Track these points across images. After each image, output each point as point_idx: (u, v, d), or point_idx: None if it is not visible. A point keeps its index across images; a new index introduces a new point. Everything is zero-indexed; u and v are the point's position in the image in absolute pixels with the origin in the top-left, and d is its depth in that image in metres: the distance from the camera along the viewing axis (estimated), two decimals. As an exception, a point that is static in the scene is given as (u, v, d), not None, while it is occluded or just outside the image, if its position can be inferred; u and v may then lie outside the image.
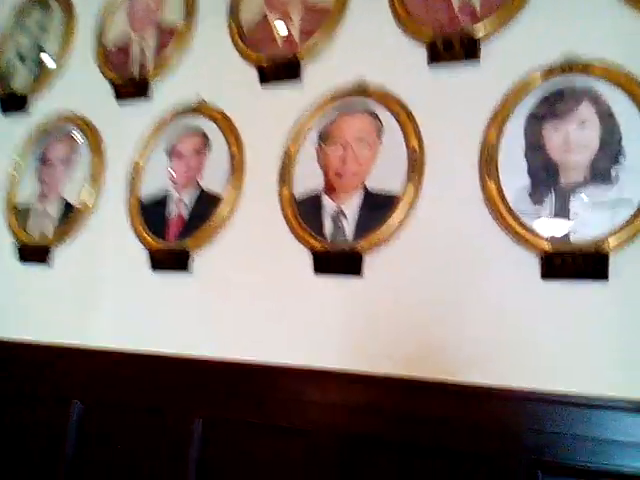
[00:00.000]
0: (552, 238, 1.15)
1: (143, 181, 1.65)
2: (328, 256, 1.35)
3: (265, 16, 1.61)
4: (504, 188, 1.22)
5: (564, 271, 1.14)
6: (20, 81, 1.95)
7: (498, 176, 1.23)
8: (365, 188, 1.36)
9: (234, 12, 1.65)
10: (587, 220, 1.14)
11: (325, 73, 1.50)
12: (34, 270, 1.76)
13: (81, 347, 1.61)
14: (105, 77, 1.80)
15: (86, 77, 1.85)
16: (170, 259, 1.55)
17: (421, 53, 1.38)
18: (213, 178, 1.55)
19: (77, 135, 1.79)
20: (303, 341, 1.36)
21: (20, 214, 1.82)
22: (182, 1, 1.73)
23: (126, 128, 1.73)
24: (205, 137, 1.59)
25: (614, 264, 1.11)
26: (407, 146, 1.34)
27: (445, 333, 1.22)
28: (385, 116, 1.38)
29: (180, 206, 1.58)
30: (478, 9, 1.34)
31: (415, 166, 1.32)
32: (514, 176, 1.22)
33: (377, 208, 1.33)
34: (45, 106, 1.90)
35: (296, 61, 1.51)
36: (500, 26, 1.32)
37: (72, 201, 1.73)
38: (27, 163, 1.86)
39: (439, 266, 1.26)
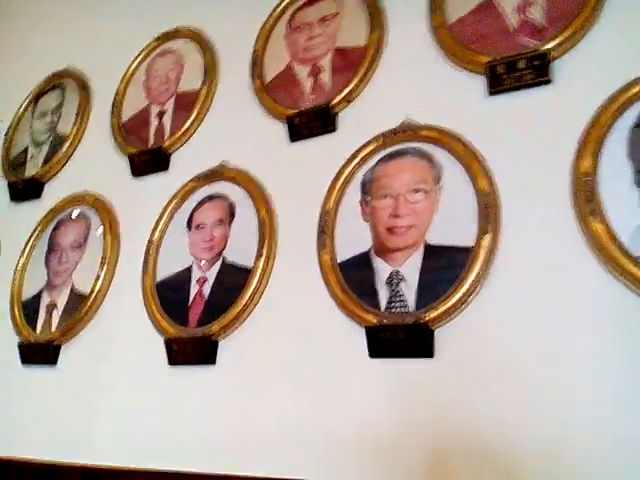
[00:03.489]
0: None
1: (160, 260, 1.42)
2: (385, 331, 1.06)
3: (289, 67, 1.44)
4: (614, 227, 0.93)
5: None
6: (33, 167, 1.82)
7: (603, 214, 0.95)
8: (426, 244, 1.09)
9: (257, 66, 1.49)
10: None
11: (361, 118, 1.29)
12: (37, 373, 1.51)
13: (87, 465, 1.31)
14: (121, 152, 1.64)
15: (101, 154, 1.70)
16: (191, 348, 1.27)
17: (480, 81, 1.17)
18: (240, 249, 1.31)
19: (90, 216, 1.60)
20: (354, 444, 1.03)
21: (26, 308, 1.60)
22: (201, 65, 1.60)
23: (143, 204, 1.54)
24: (229, 204, 1.38)
25: None
26: (476, 190, 1.08)
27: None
28: (442, 157, 1.14)
29: (202, 285, 1.33)
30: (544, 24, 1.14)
31: (489, 213, 1.05)
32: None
33: (444, 267, 1.06)
34: (58, 190, 1.74)
35: (330, 110, 1.31)
36: (571, 45, 1.10)
37: (81, 289, 1.51)
38: (36, 251, 1.67)
39: (539, 334, 0.95)
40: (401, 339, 1.05)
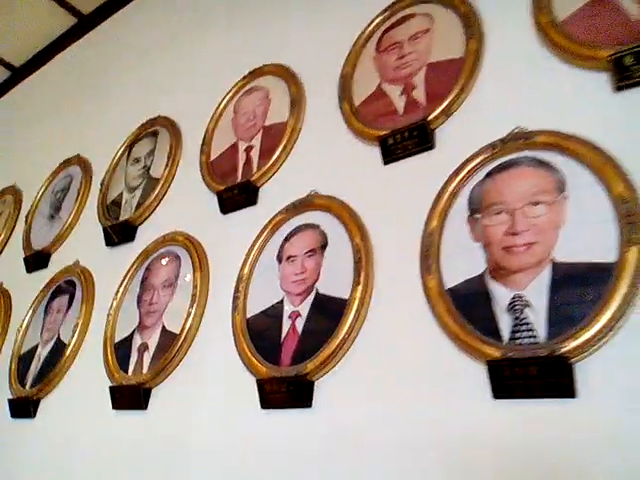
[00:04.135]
0: None
1: (250, 295, 1.35)
2: (512, 366, 0.89)
3: (379, 88, 1.37)
4: None
5: None
6: (127, 212, 1.85)
7: None
8: (554, 262, 0.93)
9: (345, 90, 1.43)
10: None
11: (463, 131, 1.17)
12: (128, 417, 1.46)
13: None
14: (210, 190, 1.62)
15: (191, 194, 1.69)
16: (285, 389, 1.16)
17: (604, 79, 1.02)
18: (334, 279, 1.21)
19: (181, 255, 1.57)
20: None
21: (119, 350, 1.58)
22: (288, 97, 1.57)
23: (232, 240, 1.49)
24: (320, 232, 1.29)
25: None
26: (611, 196, 0.92)
27: None
28: (565, 163, 0.99)
29: (295, 320, 1.23)
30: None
31: (632, 221, 0.88)
32: None
33: (580, 288, 0.89)
34: (150, 231, 1.75)
35: (427, 126, 1.21)
36: None
37: (172, 329, 1.46)
38: (129, 293, 1.66)
39: None
40: (533, 375, 0.88)
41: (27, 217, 2.28)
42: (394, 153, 1.25)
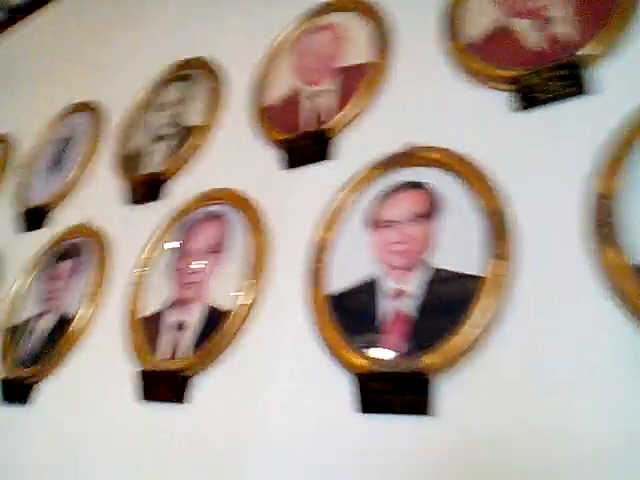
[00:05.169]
0: None
1: (330, 267, 1.07)
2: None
3: (502, 21, 1.11)
4: None
5: None
6: (151, 165, 1.55)
7: None
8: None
9: (454, 24, 1.16)
10: None
11: None
12: (160, 410, 1.17)
13: None
14: (267, 140, 1.33)
15: (238, 145, 1.40)
16: (392, 388, 0.89)
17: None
18: (455, 250, 0.95)
19: (230, 216, 1.28)
20: None
21: (146, 328, 1.28)
22: (368, 34, 1.29)
23: (300, 200, 1.21)
24: (430, 194, 1.02)
25: None
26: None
27: None
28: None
29: (399, 299, 0.96)
30: None
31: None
32: None
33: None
34: (184, 188, 1.45)
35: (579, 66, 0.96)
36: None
37: (220, 305, 1.17)
38: (157, 260, 1.36)
39: None
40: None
41: (22, 168, 1.94)
42: (536, 99, 1.00)
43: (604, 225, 0.83)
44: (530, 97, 0.99)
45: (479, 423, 0.83)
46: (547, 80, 0.98)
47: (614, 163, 0.86)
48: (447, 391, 0.87)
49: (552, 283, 0.86)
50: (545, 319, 0.84)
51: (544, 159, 0.94)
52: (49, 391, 1.39)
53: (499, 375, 0.85)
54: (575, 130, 0.93)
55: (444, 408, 0.86)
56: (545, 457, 0.77)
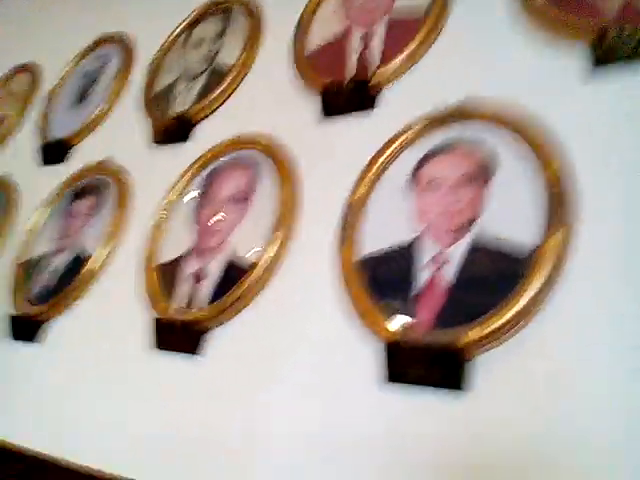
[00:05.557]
0: None
1: (365, 226, 0.99)
2: None
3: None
4: None
5: None
6: (182, 104, 1.46)
7: None
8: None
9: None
10: None
11: None
12: (176, 361, 1.11)
13: None
14: (308, 86, 1.23)
15: (276, 90, 1.30)
16: (425, 363, 0.82)
17: None
18: (509, 219, 0.85)
19: (261, 163, 1.20)
20: None
21: (164, 275, 1.22)
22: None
23: (338, 153, 1.12)
24: (484, 154, 0.92)
25: None
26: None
27: None
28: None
29: (441, 268, 0.88)
30: None
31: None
32: None
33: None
34: (214, 130, 1.36)
35: None
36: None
37: (243, 258, 1.10)
38: (180, 205, 1.29)
39: None
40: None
41: (46, 99, 1.87)
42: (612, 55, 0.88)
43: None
44: (610, 54, 0.88)
45: (513, 404, 0.76)
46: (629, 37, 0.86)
47: None
48: (484, 369, 0.79)
49: (609, 261, 0.76)
50: (598, 300, 0.75)
51: (617, 127, 0.83)
52: (59, 330, 1.35)
53: (541, 358, 0.77)
54: None
55: (479, 387, 0.78)
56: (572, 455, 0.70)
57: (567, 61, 0.93)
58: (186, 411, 1.04)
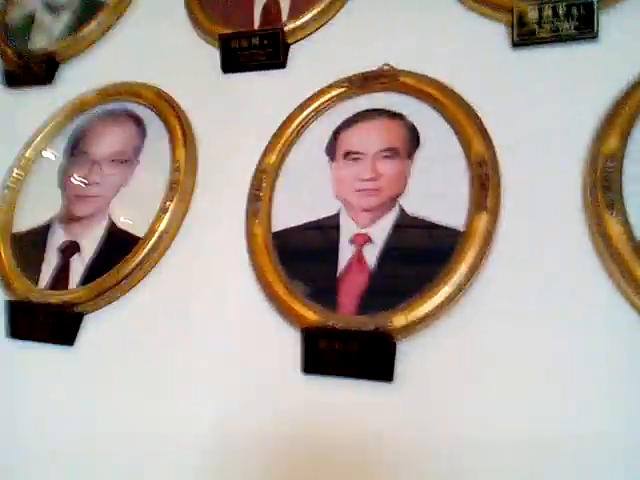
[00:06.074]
0: None
1: (279, 200, 0.88)
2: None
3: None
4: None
5: None
6: (43, 40, 1.20)
7: None
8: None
9: None
10: None
11: None
12: (45, 352, 0.91)
13: None
14: (203, 33, 1.07)
15: (165, 33, 1.12)
16: (354, 350, 0.74)
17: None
18: (433, 196, 0.80)
19: (148, 119, 1.02)
20: None
21: (21, 247, 0.99)
22: None
23: (242, 113, 0.99)
24: (406, 126, 0.86)
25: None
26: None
27: None
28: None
29: (362, 247, 0.80)
30: None
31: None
32: None
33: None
34: (86, 74, 1.14)
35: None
36: None
37: (128, 227, 0.93)
38: (42, 162, 1.06)
39: None
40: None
41: None
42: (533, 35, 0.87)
43: (608, 189, 0.73)
44: (532, 33, 0.86)
45: (439, 395, 0.72)
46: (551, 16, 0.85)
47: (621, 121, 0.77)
48: (408, 355, 0.74)
49: (539, 244, 0.75)
50: (527, 282, 0.74)
51: (536, 102, 0.82)
52: None
53: (468, 341, 0.74)
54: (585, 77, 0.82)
55: (408, 378, 0.73)
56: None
57: (489, 37, 0.90)
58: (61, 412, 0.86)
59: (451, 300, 0.74)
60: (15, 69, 1.19)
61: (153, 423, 0.81)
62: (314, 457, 0.73)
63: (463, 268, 0.74)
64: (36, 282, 0.94)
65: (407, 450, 0.71)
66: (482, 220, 0.76)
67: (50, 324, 0.89)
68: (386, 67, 0.92)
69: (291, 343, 0.77)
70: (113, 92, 1.07)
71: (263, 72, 1.01)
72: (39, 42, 1.20)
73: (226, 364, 0.81)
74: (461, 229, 0.76)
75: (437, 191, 0.81)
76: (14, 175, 1.05)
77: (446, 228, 0.77)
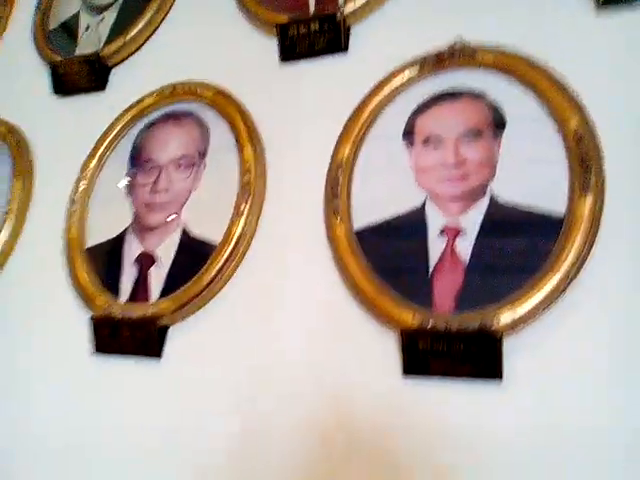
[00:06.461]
0: None
1: (356, 192, 0.84)
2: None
3: None
4: None
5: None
6: (90, 44, 1.17)
7: None
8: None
9: None
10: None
11: None
12: (137, 366, 0.91)
13: None
14: (259, 25, 1.02)
15: (218, 26, 1.07)
16: (452, 352, 0.71)
17: None
18: (524, 180, 0.75)
19: (209, 120, 0.99)
20: None
21: (97, 263, 0.99)
22: None
23: (305, 104, 0.95)
24: (488, 105, 0.80)
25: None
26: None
27: None
28: None
29: (454, 239, 0.76)
30: None
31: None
32: None
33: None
34: (142, 78, 1.11)
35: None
36: None
37: (203, 235, 0.91)
38: (105, 170, 1.05)
39: None
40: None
41: None
42: None
43: None
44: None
45: (551, 398, 0.68)
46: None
47: None
48: (515, 351, 0.70)
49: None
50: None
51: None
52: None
53: (576, 333, 0.70)
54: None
55: (519, 376, 0.69)
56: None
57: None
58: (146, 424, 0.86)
59: (559, 291, 0.69)
60: (66, 77, 1.16)
61: (238, 438, 0.79)
62: (426, 456, 0.71)
63: (571, 257, 0.69)
64: (116, 296, 0.93)
65: (521, 450, 0.68)
66: (586, 203, 0.70)
67: (136, 338, 0.89)
68: (459, 44, 0.86)
69: (389, 347, 0.74)
70: (171, 93, 1.04)
71: (324, 58, 0.96)
72: (87, 47, 1.17)
73: (308, 372, 0.79)
74: (562, 214, 0.71)
75: (530, 174, 0.75)
76: (80, 187, 1.04)
77: (544, 214, 0.72)
